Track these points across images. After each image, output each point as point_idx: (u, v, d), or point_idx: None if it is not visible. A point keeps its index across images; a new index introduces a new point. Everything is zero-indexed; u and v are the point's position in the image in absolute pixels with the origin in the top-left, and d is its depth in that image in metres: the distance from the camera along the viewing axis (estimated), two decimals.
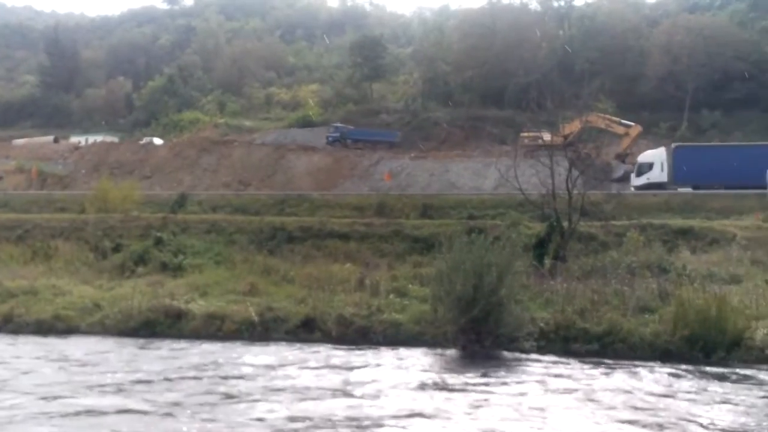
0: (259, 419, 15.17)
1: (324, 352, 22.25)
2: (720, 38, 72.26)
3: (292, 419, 15.22)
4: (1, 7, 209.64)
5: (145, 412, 15.44)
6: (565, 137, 39.22)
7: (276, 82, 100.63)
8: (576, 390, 17.89)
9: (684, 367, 19.95)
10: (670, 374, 19.27)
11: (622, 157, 58.41)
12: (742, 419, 15.41)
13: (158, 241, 35.02)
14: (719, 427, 14.82)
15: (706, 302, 21.43)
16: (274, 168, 66.31)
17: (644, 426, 14.83)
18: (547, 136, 39.36)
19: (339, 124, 74.66)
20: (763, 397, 17.20)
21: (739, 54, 72.54)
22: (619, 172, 55.83)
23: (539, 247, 30.43)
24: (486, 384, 18.48)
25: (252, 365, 20.37)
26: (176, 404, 16.03)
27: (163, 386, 17.94)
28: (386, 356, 21.77)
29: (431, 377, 19.30)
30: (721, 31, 74.28)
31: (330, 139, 71.75)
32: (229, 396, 17.05)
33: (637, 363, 20.49)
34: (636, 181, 52.24)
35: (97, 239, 37.68)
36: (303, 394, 17.32)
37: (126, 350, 22.73)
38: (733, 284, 25.76)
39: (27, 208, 49.24)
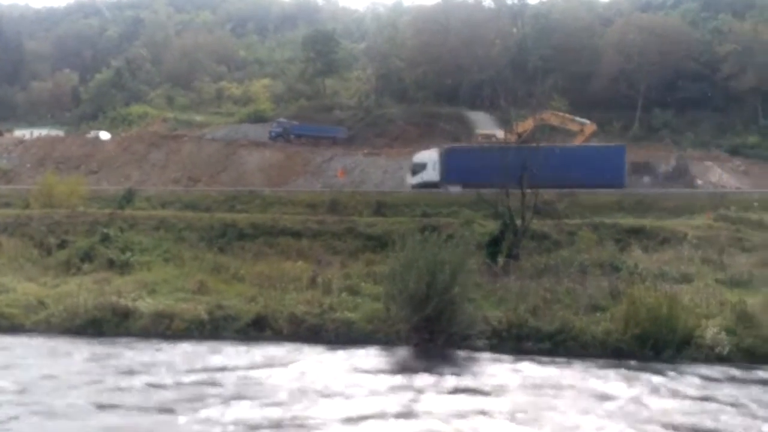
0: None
1: (273, 351, 22.02)
2: (672, 37, 73.10)
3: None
4: None
5: None
6: (519, 135, 39.32)
7: (227, 77, 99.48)
8: (526, 388, 17.96)
9: (633, 364, 20.15)
10: (619, 372, 19.44)
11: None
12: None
13: (105, 238, 34.24)
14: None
15: (657, 301, 21.65)
16: (225, 164, 65.54)
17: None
18: (500, 134, 39.40)
19: (282, 119, 74.03)
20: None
21: (691, 53, 73.58)
22: None
23: (492, 246, 30.41)
24: (437, 383, 18.48)
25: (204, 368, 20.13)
26: None
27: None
28: (338, 355, 21.54)
29: (383, 376, 19.20)
30: (673, 30, 75.19)
31: (273, 134, 71.07)
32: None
33: (588, 361, 20.60)
34: (412, 180, 54.30)
35: (41, 235, 36.72)
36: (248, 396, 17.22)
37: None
38: (684, 283, 26.10)
39: None
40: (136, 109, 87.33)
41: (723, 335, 20.90)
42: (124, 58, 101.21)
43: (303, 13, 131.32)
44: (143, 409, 16.60)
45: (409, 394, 17.41)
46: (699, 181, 54.83)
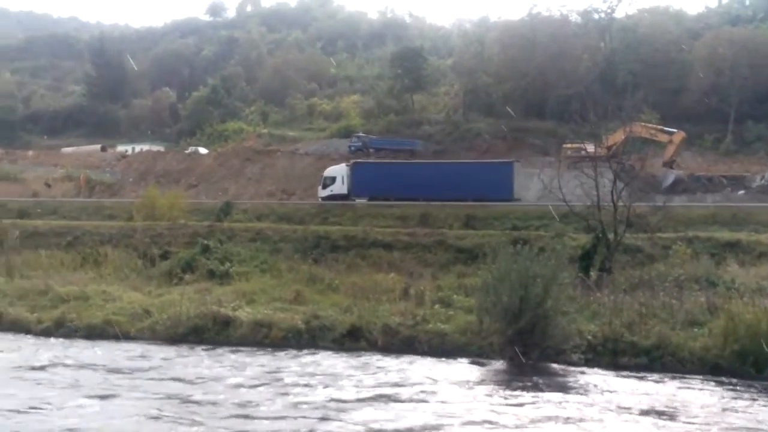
0: None
1: (371, 361, 22.47)
2: (763, 51, 71.21)
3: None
4: (47, 18, 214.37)
5: None
6: (609, 148, 39.02)
7: (318, 93, 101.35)
8: (626, 404, 17.83)
9: (735, 381, 19.84)
10: (721, 389, 19.18)
11: (669, 164, 57.88)
12: None
13: (205, 249, 35.46)
14: None
15: (756, 316, 21.16)
16: (317, 177, 66.63)
17: None
18: (590, 148, 39.14)
19: (361, 134, 75.33)
20: None
21: None
22: (669, 180, 55.36)
23: (585, 259, 30.25)
24: (534, 397, 18.47)
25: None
26: None
27: None
28: (432, 366, 21.85)
29: (478, 388, 19.37)
30: (765, 44, 73.26)
31: (352, 148, 72.31)
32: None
33: (686, 377, 20.40)
34: (322, 193, 56.75)
35: (145, 246, 38.22)
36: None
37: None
38: None
39: (76, 215, 50.10)
40: (231, 125, 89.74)
41: None
42: (220, 76, 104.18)
43: (391, 30, 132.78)
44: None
45: (518, 408, 17.49)
46: None
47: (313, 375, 20.38)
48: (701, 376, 20.39)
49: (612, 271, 30.09)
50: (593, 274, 29.38)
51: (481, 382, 20.29)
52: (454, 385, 19.52)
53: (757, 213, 43.21)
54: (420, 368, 21.62)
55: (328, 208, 50.96)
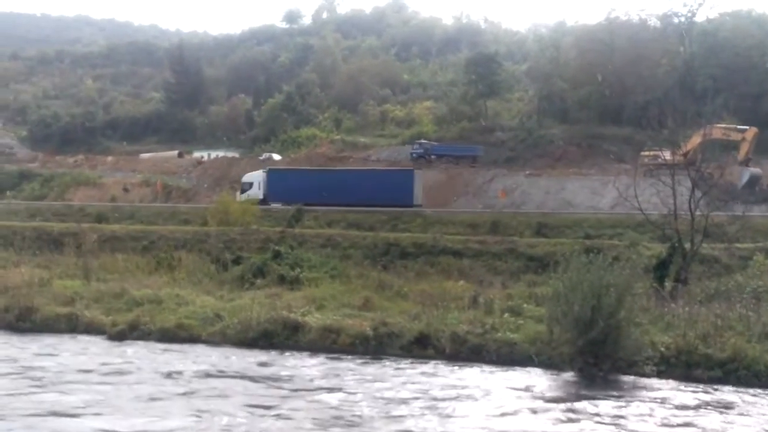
0: None
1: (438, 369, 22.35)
2: None
3: None
4: (128, 25, 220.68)
5: None
6: (686, 154, 38.12)
7: (391, 100, 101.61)
8: (697, 419, 17.35)
9: None
10: None
11: (745, 163, 56.30)
12: None
13: (276, 255, 35.84)
14: None
15: None
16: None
17: None
18: (667, 154, 38.28)
19: (423, 140, 75.44)
20: None
21: None
22: (744, 178, 53.87)
23: (660, 269, 29.58)
24: (604, 408, 18.11)
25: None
26: None
27: None
28: (501, 376, 21.62)
29: (549, 400, 19.08)
30: None
31: (414, 155, 72.57)
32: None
33: (762, 391, 19.73)
34: (240, 197, 58.39)
35: (218, 251, 38.83)
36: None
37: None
38: None
39: (152, 219, 51.25)
40: (305, 131, 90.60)
41: None
42: (295, 83, 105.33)
43: (465, 36, 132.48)
44: None
45: (575, 419, 17.19)
46: None
47: (454, 387, 20.15)
48: None
49: (688, 281, 29.35)
50: (668, 284, 28.70)
51: (550, 392, 19.97)
52: (520, 395, 19.26)
53: None
54: (486, 377, 21.40)
55: (398, 215, 50.97)
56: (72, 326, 27.86)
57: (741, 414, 17.76)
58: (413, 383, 20.44)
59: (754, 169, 55.37)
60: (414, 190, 56.87)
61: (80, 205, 58.68)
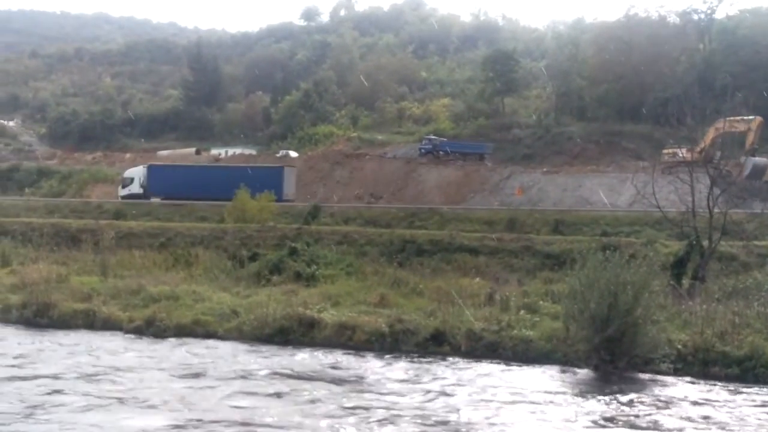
0: None
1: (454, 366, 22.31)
2: None
3: None
4: (147, 23, 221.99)
5: None
6: (701, 151, 37.93)
7: (408, 97, 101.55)
8: (717, 417, 17.21)
9: None
10: None
11: (751, 153, 55.71)
12: None
13: (293, 252, 35.82)
14: None
15: None
16: (405, 181, 66.89)
17: None
18: (684, 152, 38.07)
19: (432, 136, 75.50)
20: None
21: None
22: (748, 167, 53.31)
23: (677, 267, 29.39)
24: (620, 406, 18.04)
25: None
26: None
27: None
28: (518, 373, 21.57)
29: (564, 397, 19.02)
30: None
31: (422, 150, 72.77)
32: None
33: None
34: (121, 192, 62.84)
35: (235, 248, 38.91)
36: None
37: None
38: None
39: (169, 216, 51.37)
40: (322, 128, 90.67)
41: None
42: (312, 81, 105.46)
43: (483, 33, 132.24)
44: None
45: (591, 416, 17.10)
46: None
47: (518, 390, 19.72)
48: None
49: (705, 279, 29.15)
50: (686, 282, 28.56)
51: (565, 390, 19.89)
52: (536, 393, 19.19)
53: None
54: (503, 375, 21.35)
55: (414, 212, 50.90)
56: (89, 322, 28.03)
57: (758, 411, 17.59)
58: (492, 386, 20.00)
59: (759, 159, 54.80)
60: (284, 186, 59.82)
61: (98, 202, 59.00)
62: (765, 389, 19.71)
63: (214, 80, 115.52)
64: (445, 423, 16.26)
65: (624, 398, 18.74)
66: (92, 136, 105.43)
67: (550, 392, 19.31)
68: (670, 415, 17.29)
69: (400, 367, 22.17)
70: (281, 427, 15.61)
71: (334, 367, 22.03)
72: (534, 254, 36.36)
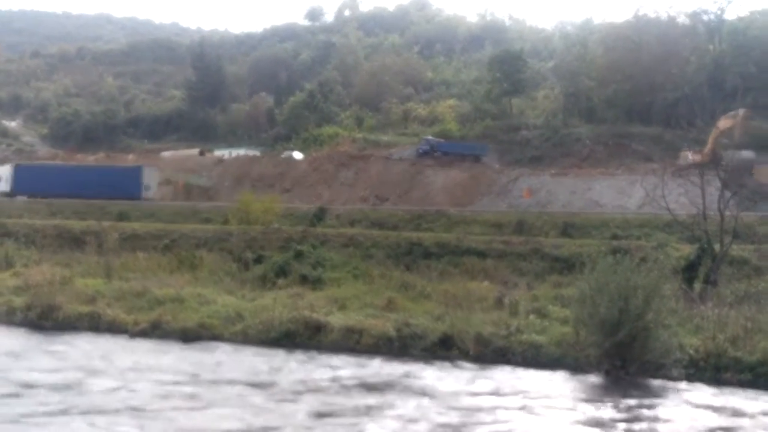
0: None
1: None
2: None
3: None
4: (149, 23, 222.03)
5: None
6: (709, 152, 37.68)
7: (414, 98, 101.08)
8: (727, 423, 16.92)
9: None
10: None
11: (738, 146, 54.43)
12: None
13: (298, 254, 35.59)
14: None
15: None
16: (411, 183, 66.51)
17: None
18: (692, 155, 37.79)
19: (429, 137, 75.14)
20: None
21: None
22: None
23: (689, 271, 29.08)
24: (630, 412, 17.79)
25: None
26: None
27: None
28: (527, 378, 21.27)
29: (572, 402, 18.75)
30: None
31: (420, 151, 72.49)
32: None
33: None
34: None
35: (240, 250, 38.63)
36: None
37: None
38: None
39: (173, 218, 51.08)
40: (327, 130, 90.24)
41: None
42: (317, 81, 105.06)
43: (490, 33, 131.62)
44: None
45: (601, 422, 16.84)
46: None
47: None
48: None
49: (717, 283, 28.81)
50: (697, 286, 28.28)
51: (575, 395, 19.59)
52: (546, 398, 18.90)
53: None
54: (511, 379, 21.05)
55: (421, 214, 50.56)
56: (94, 325, 27.85)
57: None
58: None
59: (745, 152, 53.76)
60: (142, 185, 63.25)
61: (101, 204, 58.68)
62: None
63: (218, 81, 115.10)
64: None
65: (634, 403, 18.57)
66: (94, 136, 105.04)
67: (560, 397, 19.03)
68: (681, 421, 17.01)
69: (460, 376, 21.63)
70: None
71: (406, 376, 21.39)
72: (543, 257, 36.00)
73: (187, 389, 19.43)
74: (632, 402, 18.72)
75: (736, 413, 17.90)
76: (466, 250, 37.66)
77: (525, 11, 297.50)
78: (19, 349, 24.16)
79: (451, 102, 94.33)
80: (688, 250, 31.82)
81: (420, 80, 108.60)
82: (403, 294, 30.13)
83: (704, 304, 25.92)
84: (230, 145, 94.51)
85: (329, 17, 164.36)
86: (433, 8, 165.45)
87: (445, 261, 36.78)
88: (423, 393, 19.51)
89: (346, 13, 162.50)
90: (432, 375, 21.66)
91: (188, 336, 26.44)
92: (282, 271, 34.15)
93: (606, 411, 17.86)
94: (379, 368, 22.45)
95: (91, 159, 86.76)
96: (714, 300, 26.42)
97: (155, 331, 26.89)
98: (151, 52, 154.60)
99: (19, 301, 29.52)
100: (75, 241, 42.08)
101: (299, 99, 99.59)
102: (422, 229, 45.87)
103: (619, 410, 17.96)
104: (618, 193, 54.33)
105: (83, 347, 24.90)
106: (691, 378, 21.03)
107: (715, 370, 21.15)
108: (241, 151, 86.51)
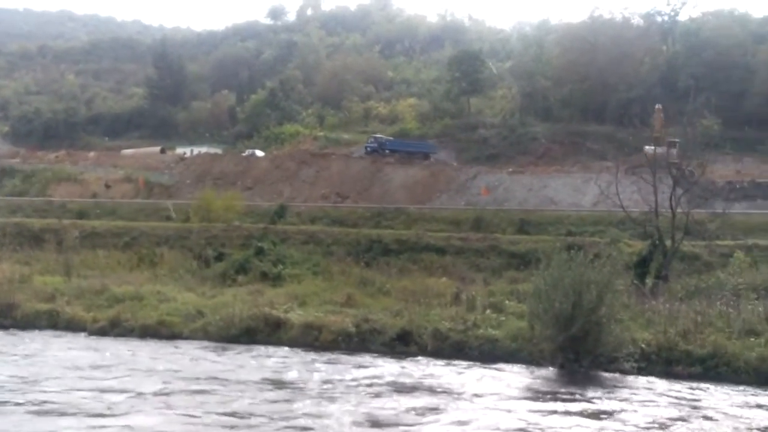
0: None
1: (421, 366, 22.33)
2: None
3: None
4: (111, 21, 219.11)
5: None
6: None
7: (374, 97, 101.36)
8: (679, 415, 17.41)
9: None
10: None
11: (655, 142, 55.29)
12: None
13: (259, 251, 35.78)
14: None
15: None
16: (371, 181, 66.77)
17: None
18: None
19: (378, 135, 75.88)
20: None
21: None
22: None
23: (641, 266, 29.80)
24: (582, 405, 18.14)
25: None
26: None
27: None
28: (483, 372, 21.66)
29: (526, 395, 19.12)
30: None
31: (368, 149, 73.20)
32: None
33: (741, 388, 19.88)
34: None
35: (200, 248, 38.76)
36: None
37: None
38: None
39: (134, 216, 50.95)
40: (288, 128, 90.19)
41: None
42: (279, 80, 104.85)
43: (449, 33, 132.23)
44: None
45: (553, 415, 17.21)
46: None
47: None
48: (756, 387, 19.85)
49: (668, 278, 29.59)
50: (649, 281, 28.96)
51: (530, 389, 20.00)
52: (501, 392, 19.29)
53: None
54: (468, 374, 21.44)
55: (381, 211, 50.93)
56: (53, 323, 27.83)
57: (717, 411, 17.83)
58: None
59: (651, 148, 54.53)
60: None
61: (61, 201, 58.25)
62: (726, 387, 19.96)
63: (179, 79, 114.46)
64: None
65: (587, 396, 18.88)
66: (55, 134, 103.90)
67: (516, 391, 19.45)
68: (630, 412, 17.45)
69: (475, 375, 21.44)
70: None
71: (429, 377, 20.87)
72: (500, 254, 36.65)
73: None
74: (585, 395, 19.08)
75: (687, 406, 18.31)
76: (424, 247, 38.19)
77: (484, 12, 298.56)
78: None
79: (411, 101, 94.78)
80: (640, 246, 32.60)
81: (381, 79, 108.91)
82: (363, 290, 30.50)
83: (656, 298, 26.54)
84: (192, 142, 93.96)
85: (291, 16, 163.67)
86: (394, 8, 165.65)
87: (404, 257, 37.29)
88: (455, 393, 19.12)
89: (308, 12, 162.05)
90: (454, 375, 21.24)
91: (147, 333, 26.50)
92: (242, 268, 34.33)
93: (559, 404, 18.22)
94: (392, 368, 21.92)
95: (52, 157, 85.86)
96: (665, 295, 27.08)
97: (114, 329, 26.93)
98: (112, 50, 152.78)
99: None
100: (35, 239, 41.86)
101: (261, 97, 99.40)
102: (382, 226, 46.28)
103: (573, 403, 18.30)
104: (573, 190, 55.18)
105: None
106: (643, 371, 21.44)
107: (666, 364, 21.60)
108: (203, 149, 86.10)
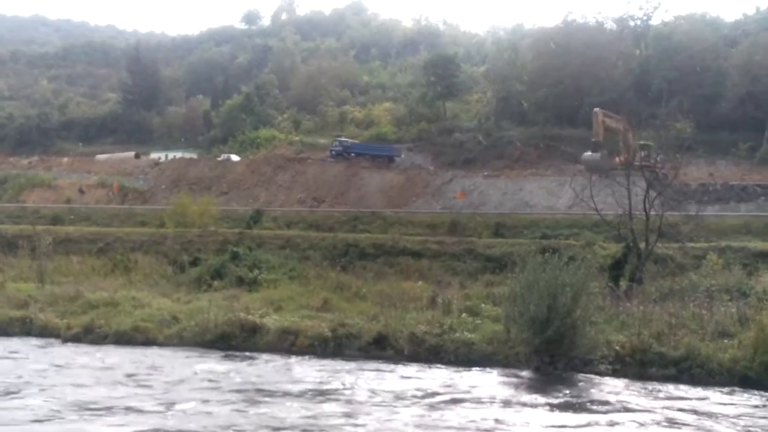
0: None
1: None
2: None
3: None
4: (84, 26, 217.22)
5: None
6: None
7: (350, 101, 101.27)
8: (653, 417, 17.53)
9: (764, 394, 19.46)
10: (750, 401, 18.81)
11: (595, 144, 55.43)
12: None
13: (235, 256, 35.67)
14: None
15: None
16: (348, 185, 66.79)
17: None
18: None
19: (342, 139, 76.22)
20: None
21: None
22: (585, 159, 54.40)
23: (615, 269, 30.04)
24: (558, 407, 18.26)
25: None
26: None
27: None
28: (459, 376, 21.71)
29: (502, 398, 19.17)
30: None
31: (333, 152, 73.56)
32: None
33: (714, 389, 20.07)
34: None
35: (175, 253, 38.57)
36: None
37: None
38: None
39: (108, 222, 50.65)
40: (263, 132, 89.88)
41: None
42: (254, 84, 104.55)
43: (424, 38, 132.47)
44: None
45: (529, 417, 17.29)
46: None
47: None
48: (729, 388, 20.04)
49: (642, 281, 29.80)
50: (623, 284, 29.17)
51: (506, 391, 20.08)
52: (477, 395, 19.33)
53: None
54: (442, 377, 21.47)
55: (357, 215, 50.94)
56: (26, 329, 27.62)
57: (693, 412, 17.98)
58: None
59: (590, 154, 54.82)
60: None
61: (35, 207, 57.71)
62: (700, 389, 20.14)
63: (154, 83, 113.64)
64: None
65: (562, 398, 18.99)
66: (28, 140, 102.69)
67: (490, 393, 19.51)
68: (604, 414, 17.57)
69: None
70: None
71: (448, 385, 20.52)
72: (475, 257, 36.76)
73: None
74: (560, 397, 19.19)
75: (660, 407, 18.46)
76: (401, 251, 38.26)
77: (459, 16, 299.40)
78: None
79: (387, 105, 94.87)
80: (614, 248, 32.86)
81: (356, 84, 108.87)
82: (339, 295, 30.51)
83: (630, 301, 26.73)
84: (166, 147, 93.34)
85: (266, 21, 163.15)
86: (369, 13, 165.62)
87: (380, 262, 37.35)
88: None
89: (283, 16, 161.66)
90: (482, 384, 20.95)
91: (122, 340, 26.31)
92: (218, 274, 34.22)
93: (535, 406, 18.31)
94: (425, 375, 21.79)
95: (25, 163, 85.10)
96: (639, 297, 27.30)
97: (88, 336, 26.72)
98: (86, 55, 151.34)
99: None
100: (8, 245, 41.49)
101: (236, 102, 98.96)
102: (358, 230, 46.34)
103: (547, 405, 18.41)
104: (548, 193, 55.48)
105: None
106: (617, 373, 21.61)
107: (640, 365, 21.75)
108: (178, 154, 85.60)
